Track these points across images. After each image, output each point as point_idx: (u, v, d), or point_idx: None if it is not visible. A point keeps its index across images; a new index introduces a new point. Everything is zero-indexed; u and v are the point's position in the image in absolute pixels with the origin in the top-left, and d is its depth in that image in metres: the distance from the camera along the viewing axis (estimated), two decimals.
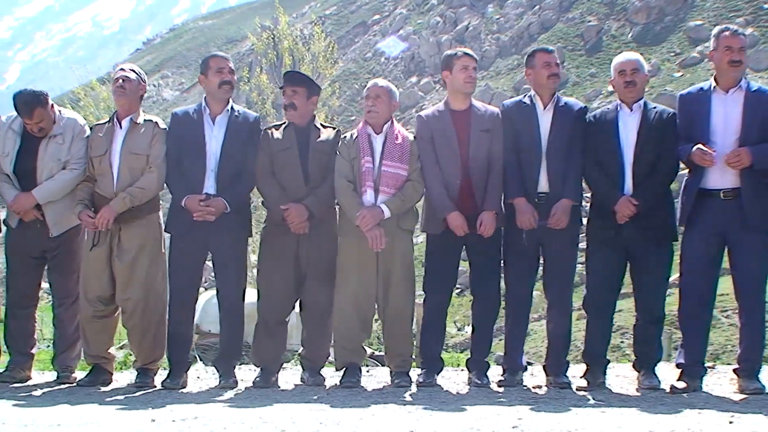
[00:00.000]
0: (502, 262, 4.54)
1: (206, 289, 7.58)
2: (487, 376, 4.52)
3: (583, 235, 4.45)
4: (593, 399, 4.09)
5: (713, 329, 5.29)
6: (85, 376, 4.64)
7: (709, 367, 4.61)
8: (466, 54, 4.54)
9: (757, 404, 3.88)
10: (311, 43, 17.14)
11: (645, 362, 4.40)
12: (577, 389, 4.36)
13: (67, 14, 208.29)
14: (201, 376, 5.04)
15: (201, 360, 6.76)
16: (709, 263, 4.19)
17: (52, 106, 4.62)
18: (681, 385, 4.17)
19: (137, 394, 4.37)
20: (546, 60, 4.46)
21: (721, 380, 4.57)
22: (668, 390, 4.18)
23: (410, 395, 4.23)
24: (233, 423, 3.51)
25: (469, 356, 4.66)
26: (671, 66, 36.79)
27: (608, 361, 4.55)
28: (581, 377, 4.47)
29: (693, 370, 4.25)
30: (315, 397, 4.18)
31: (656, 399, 4.04)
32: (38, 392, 4.43)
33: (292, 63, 16.09)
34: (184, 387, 4.54)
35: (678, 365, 4.31)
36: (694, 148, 4.10)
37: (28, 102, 4.51)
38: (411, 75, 45.06)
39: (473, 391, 4.36)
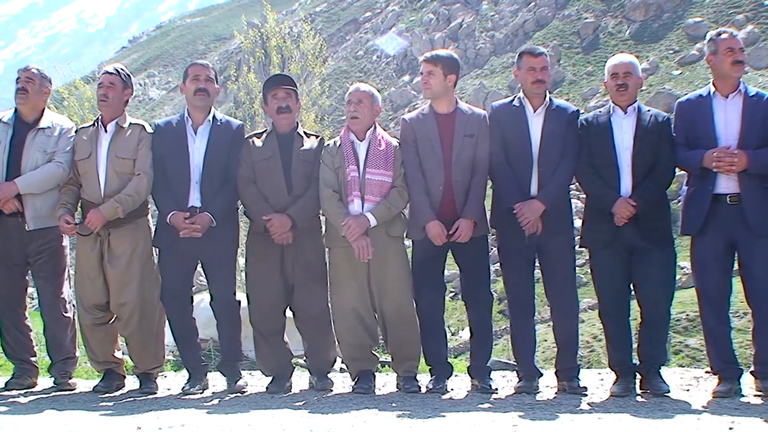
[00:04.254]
0: (499, 265, 4.46)
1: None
2: (492, 380, 4.44)
3: (578, 238, 4.39)
4: (589, 405, 4.02)
5: None
6: (100, 382, 4.63)
7: (707, 372, 4.61)
8: (425, 59, 4.47)
9: (757, 409, 3.83)
10: (300, 41, 16.94)
11: (651, 366, 4.31)
12: (611, 394, 4.26)
13: (51, 11, 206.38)
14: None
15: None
16: (722, 267, 4.18)
17: (48, 92, 4.68)
18: (722, 389, 4.12)
19: (133, 400, 4.31)
20: (531, 64, 4.35)
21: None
22: (711, 395, 4.12)
23: (404, 402, 4.15)
24: (221, 430, 3.47)
25: (470, 363, 4.57)
26: (670, 64, 36.34)
27: (636, 365, 4.40)
28: (613, 384, 4.36)
29: (728, 372, 4.18)
30: (307, 403, 4.13)
31: (654, 404, 3.99)
32: (24, 399, 4.37)
33: (281, 61, 16.07)
34: (206, 389, 4.56)
35: (713, 371, 4.29)
36: (711, 152, 4.07)
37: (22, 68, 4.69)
38: (403, 74, 44.45)
39: (468, 398, 4.28)
